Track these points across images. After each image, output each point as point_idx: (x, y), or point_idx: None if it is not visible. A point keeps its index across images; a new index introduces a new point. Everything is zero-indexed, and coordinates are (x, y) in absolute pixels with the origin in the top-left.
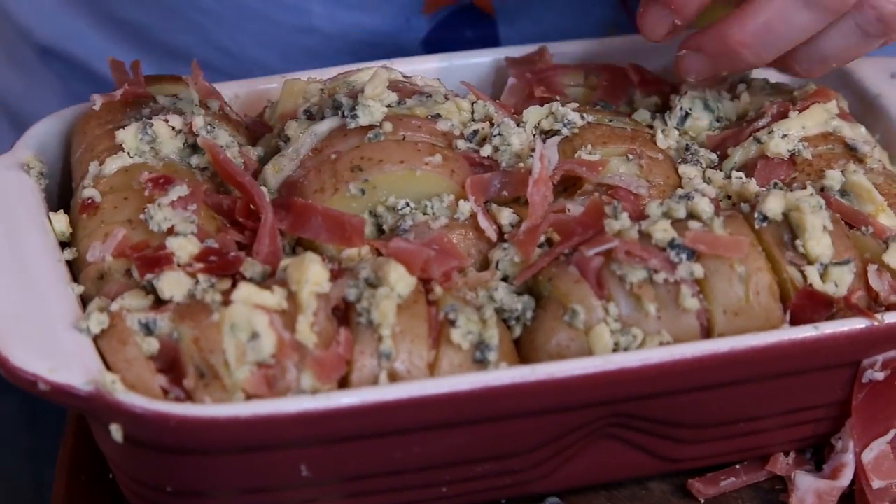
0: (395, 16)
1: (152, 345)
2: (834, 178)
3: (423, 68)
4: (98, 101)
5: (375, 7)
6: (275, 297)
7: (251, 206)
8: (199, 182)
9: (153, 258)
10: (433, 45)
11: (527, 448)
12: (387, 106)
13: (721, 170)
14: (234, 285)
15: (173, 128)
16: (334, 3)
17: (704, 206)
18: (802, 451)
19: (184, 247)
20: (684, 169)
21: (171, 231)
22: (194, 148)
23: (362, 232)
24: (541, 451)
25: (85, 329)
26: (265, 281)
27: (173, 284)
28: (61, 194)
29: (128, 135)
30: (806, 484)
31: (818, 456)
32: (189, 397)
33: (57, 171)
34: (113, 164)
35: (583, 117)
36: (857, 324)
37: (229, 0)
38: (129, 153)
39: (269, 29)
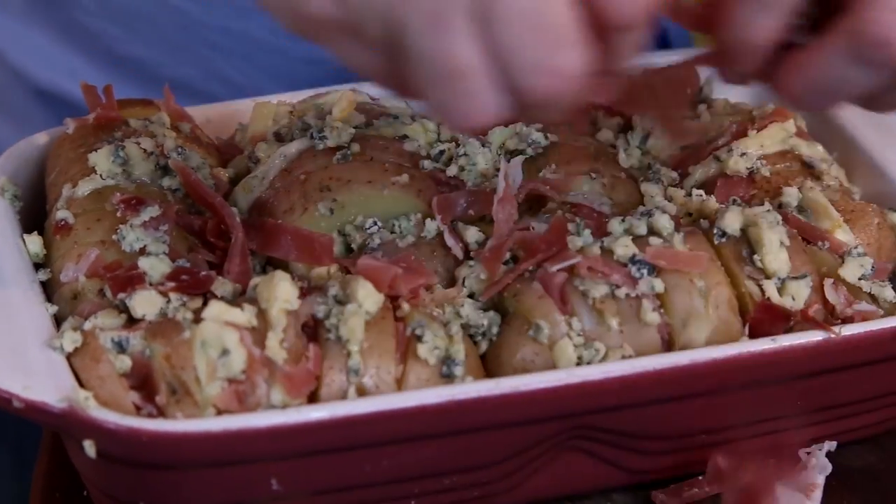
0: None
1: (125, 362)
2: (791, 195)
3: None
4: (71, 125)
5: None
6: (245, 315)
7: (222, 226)
8: (170, 203)
9: (126, 278)
10: None
11: (493, 460)
12: (354, 127)
13: (682, 188)
14: (205, 304)
15: (145, 150)
16: None
17: (665, 223)
18: None
19: (156, 266)
20: (646, 187)
21: (143, 251)
22: (166, 170)
23: (331, 250)
24: (507, 463)
25: (59, 347)
26: (236, 299)
27: (145, 303)
28: (35, 217)
29: (100, 157)
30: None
31: None
32: (161, 413)
33: (31, 194)
34: (86, 187)
35: (546, 137)
36: (813, 336)
37: (239, 34)
38: (101, 175)
39: (277, 60)
